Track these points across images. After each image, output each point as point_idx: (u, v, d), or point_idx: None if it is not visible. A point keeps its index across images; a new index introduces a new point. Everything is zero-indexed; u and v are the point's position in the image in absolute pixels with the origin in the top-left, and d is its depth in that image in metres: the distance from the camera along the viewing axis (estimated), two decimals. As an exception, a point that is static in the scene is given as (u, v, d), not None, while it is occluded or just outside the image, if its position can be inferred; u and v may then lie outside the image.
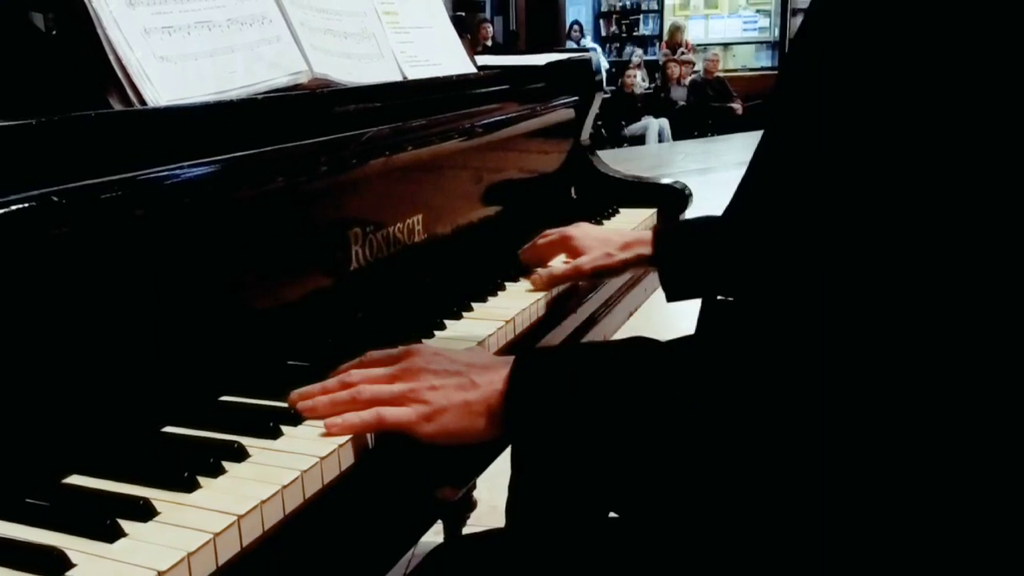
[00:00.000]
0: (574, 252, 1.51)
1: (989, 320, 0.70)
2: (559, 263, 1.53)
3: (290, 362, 1.12)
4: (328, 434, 0.94)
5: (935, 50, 0.69)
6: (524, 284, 1.47)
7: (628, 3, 16.52)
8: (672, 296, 1.42)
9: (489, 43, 12.18)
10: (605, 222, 1.91)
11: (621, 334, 1.60)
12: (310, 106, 1.28)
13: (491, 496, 2.27)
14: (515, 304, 1.35)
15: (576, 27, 14.78)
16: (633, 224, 1.89)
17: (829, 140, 0.75)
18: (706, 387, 0.84)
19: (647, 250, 1.46)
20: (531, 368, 0.94)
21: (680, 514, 0.87)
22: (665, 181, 2.11)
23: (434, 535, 2.21)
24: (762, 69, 15.26)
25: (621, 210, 2.00)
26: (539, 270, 1.50)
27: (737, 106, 12.23)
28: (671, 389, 0.84)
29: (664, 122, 11.75)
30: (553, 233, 1.55)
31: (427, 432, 0.95)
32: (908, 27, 0.70)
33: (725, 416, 0.84)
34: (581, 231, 1.54)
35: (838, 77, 0.75)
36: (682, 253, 1.41)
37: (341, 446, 0.92)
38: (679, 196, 2.06)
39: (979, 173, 0.68)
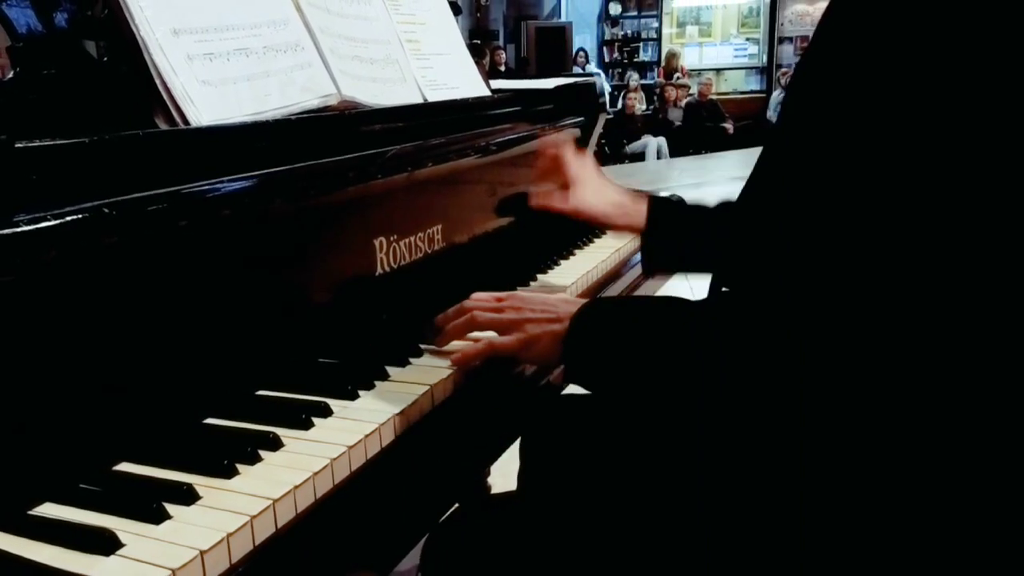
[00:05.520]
0: (569, 180, 1.46)
1: (981, 318, 0.69)
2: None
3: (321, 360, 1.12)
4: (452, 364, 1.10)
5: (938, 62, 0.68)
6: (535, 288, 1.47)
7: (629, 32, 16.50)
8: (649, 268, 1.41)
9: (502, 68, 12.19)
10: (608, 231, 1.90)
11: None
12: (339, 126, 1.27)
13: (504, 482, 2.25)
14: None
15: (582, 54, 14.78)
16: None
17: (833, 143, 0.74)
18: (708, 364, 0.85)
19: (640, 219, 1.40)
20: (588, 311, 1.01)
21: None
22: (663, 194, 2.10)
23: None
24: (751, 92, 15.22)
25: (623, 221, 1.99)
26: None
27: (729, 126, 12.19)
28: (682, 343, 0.89)
29: (662, 141, 11.73)
30: (559, 154, 1.49)
31: (525, 357, 1.10)
32: (910, 45, 0.70)
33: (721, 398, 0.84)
34: (582, 166, 1.48)
35: (843, 86, 0.74)
36: (673, 229, 1.37)
37: (367, 436, 0.92)
38: (676, 208, 2.05)
39: (973, 173, 0.67)
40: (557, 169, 1.47)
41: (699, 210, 1.36)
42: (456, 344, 1.15)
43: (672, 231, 1.37)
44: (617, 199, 1.44)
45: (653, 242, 1.38)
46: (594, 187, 1.45)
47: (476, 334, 1.13)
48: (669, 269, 1.50)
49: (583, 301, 1.05)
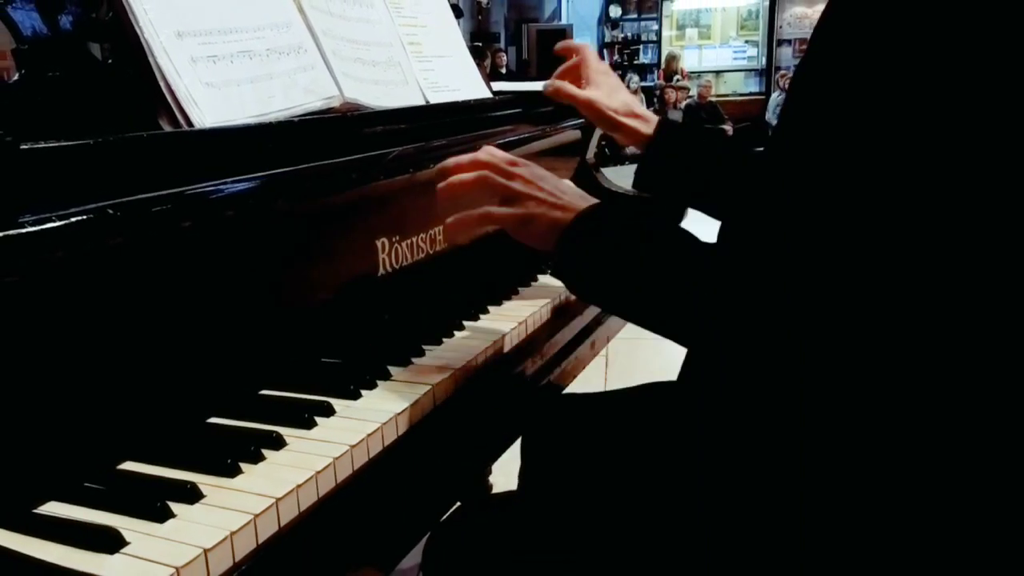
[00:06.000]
0: (585, 79, 1.47)
1: (979, 316, 0.70)
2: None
3: (323, 359, 1.12)
4: (449, 227, 1.09)
5: (937, 63, 0.68)
6: (536, 289, 1.47)
7: (629, 35, 16.53)
8: (639, 183, 1.41)
9: (503, 70, 12.20)
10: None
11: (623, 336, 1.60)
12: (342, 128, 1.27)
13: (505, 480, 2.25)
14: (527, 307, 1.35)
15: (582, 56, 14.75)
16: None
17: (833, 145, 0.74)
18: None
19: (647, 129, 1.41)
20: (597, 212, 1.00)
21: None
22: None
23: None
24: (750, 94, 15.24)
25: (623, 221, 1.99)
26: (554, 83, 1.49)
27: (728, 128, 12.19)
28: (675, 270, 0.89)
29: (662, 142, 11.71)
30: (582, 49, 1.51)
31: (517, 233, 1.06)
32: (909, 46, 0.70)
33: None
34: (602, 71, 1.48)
35: (842, 87, 0.74)
36: (676, 150, 1.38)
37: (370, 435, 0.92)
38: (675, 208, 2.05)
39: (972, 173, 0.67)
40: (576, 68, 1.49)
41: (707, 140, 1.37)
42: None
43: (674, 152, 1.37)
44: (630, 105, 1.44)
45: (652, 157, 1.38)
46: (609, 87, 1.46)
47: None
48: (658, 191, 1.48)
49: (594, 201, 1.03)
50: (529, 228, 1.04)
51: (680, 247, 0.90)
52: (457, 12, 1.89)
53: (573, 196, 1.04)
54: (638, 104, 1.45)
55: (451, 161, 1.11)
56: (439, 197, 1.09)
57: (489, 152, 1.10)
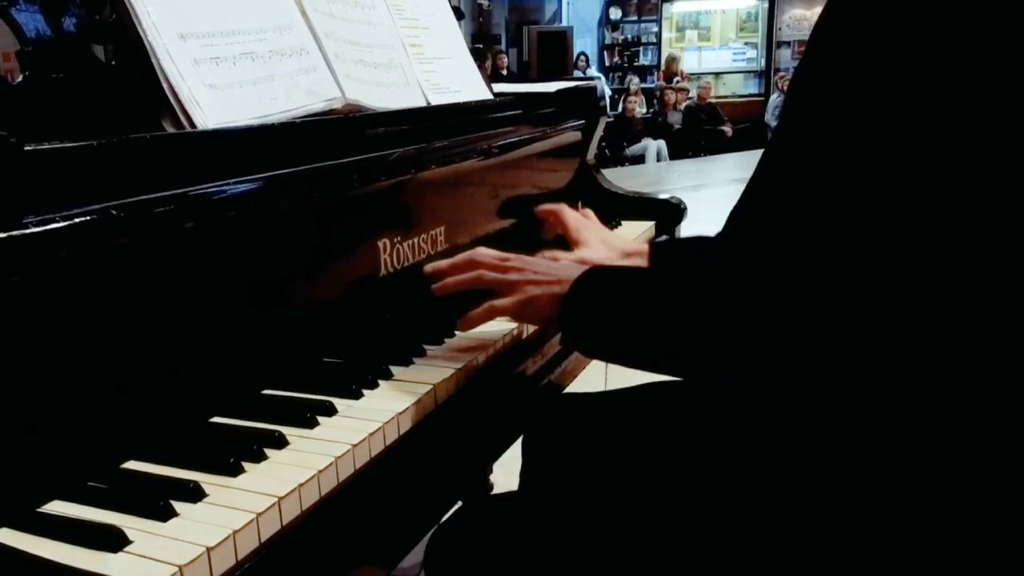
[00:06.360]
0: (572, 241, 1.43)
1: (979, 315, 0.70)
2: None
3: (325, 359, 1.12)
4: (460, 326, 1.17)
5: (935, 62, 0.68)
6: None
7: (629, 36, 16.53)
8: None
9: (504, 72, 12.20)
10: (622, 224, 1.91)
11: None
12: (343, 129, 1.27)
13: (506, 479, 2.25)
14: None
15: (582, 58, 14.79)
16: (634, 235, 1.88)
17: (833, 145, 0.74)
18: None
19: (644, 261, 1.39)
20: (591, 274, 1.03)
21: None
22: (663, 196, 2.10)
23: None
24: (749, 96, 15.23)
25: (623, 222, 1.99)
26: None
27: (727, 129, 12.20)
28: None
29: (662, 143, 11.73)
30: (558, 212, 1.46)
31: (523, 317, 1.14)
32: (907, 45, 0.69)
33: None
34: (584, 225, 1.46)
35: (840, 87, 0.74)
36: (676, 266, 1.35)
37: (372, 434, 0.92)
38: (675, 210, 2.05)
39: (971, 172, 0.67)
40: (559, 224, 1.46)
41: (701, 245, 1.25)
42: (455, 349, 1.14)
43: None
44: (622, 246, 1.44)
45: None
46: (596, 241, 1.44)
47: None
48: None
49: (588, 267, 1.05)
50: (532, 309, 1.08)
51: (676, 277, 0.93)
52: (458, 14, 1.89)
53: (566, 268, 1.08)
54: (627, 240, 1.47)
55: (445, 263, 1.18)
56: (435, 295, 1.17)
57: (480, 252, 1.16)
